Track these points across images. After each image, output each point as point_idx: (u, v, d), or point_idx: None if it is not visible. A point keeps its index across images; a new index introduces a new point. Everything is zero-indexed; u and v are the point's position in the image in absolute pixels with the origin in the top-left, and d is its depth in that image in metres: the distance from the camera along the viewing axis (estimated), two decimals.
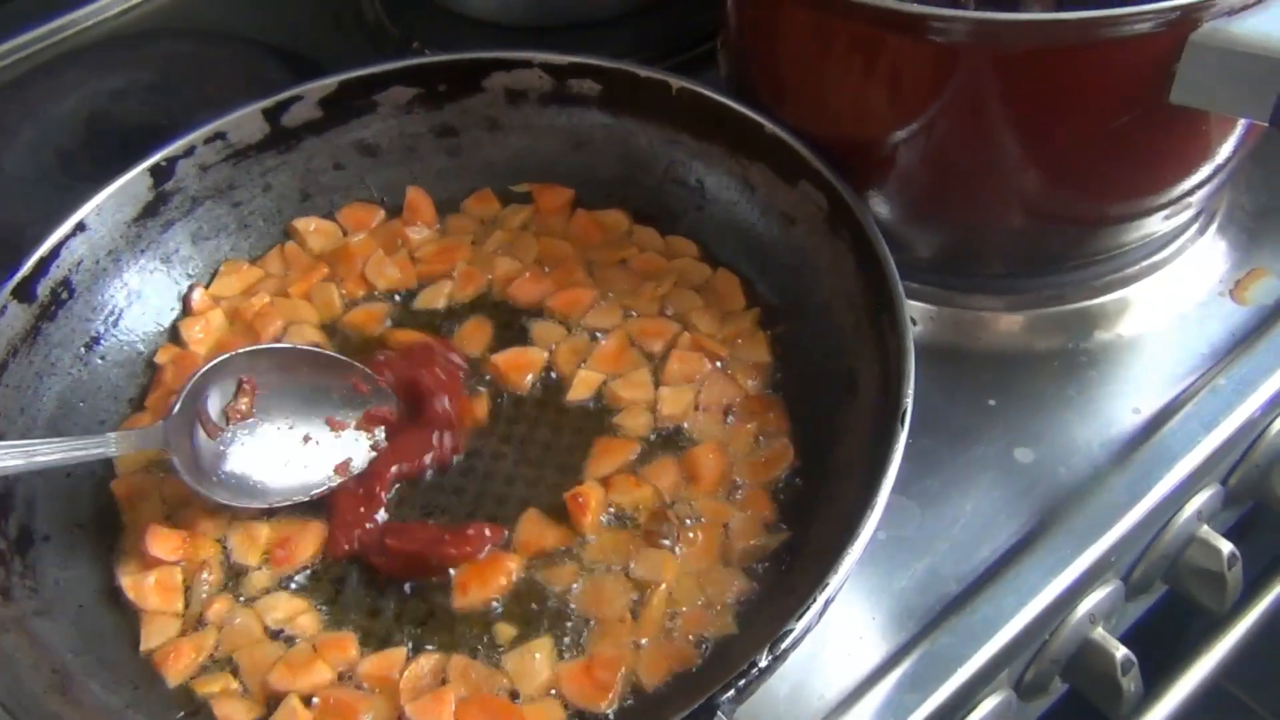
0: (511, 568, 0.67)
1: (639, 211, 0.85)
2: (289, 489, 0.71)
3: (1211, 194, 0.79)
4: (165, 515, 0.71)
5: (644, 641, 0.64)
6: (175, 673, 0.65)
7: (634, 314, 0.79)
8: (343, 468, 0.72)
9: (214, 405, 0.71)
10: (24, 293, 0.73)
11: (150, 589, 0.68)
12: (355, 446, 0.74)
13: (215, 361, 0.71)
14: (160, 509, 0.72)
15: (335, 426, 0.74)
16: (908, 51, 0.69)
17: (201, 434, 0.70)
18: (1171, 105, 0.65)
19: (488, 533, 0.68)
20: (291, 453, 0.72)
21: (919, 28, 0.66)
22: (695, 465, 0.71)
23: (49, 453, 0.65)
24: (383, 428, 0.74)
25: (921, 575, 0.70)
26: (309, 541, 0.70)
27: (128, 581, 0.68)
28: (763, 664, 0.53)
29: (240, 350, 0.73)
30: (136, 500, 0.72)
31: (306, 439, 0.73)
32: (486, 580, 0.67)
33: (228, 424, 0.72)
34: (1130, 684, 0.76)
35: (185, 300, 0.81)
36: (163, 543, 0.69)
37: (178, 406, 0.69)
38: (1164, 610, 0.91)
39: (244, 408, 0.72)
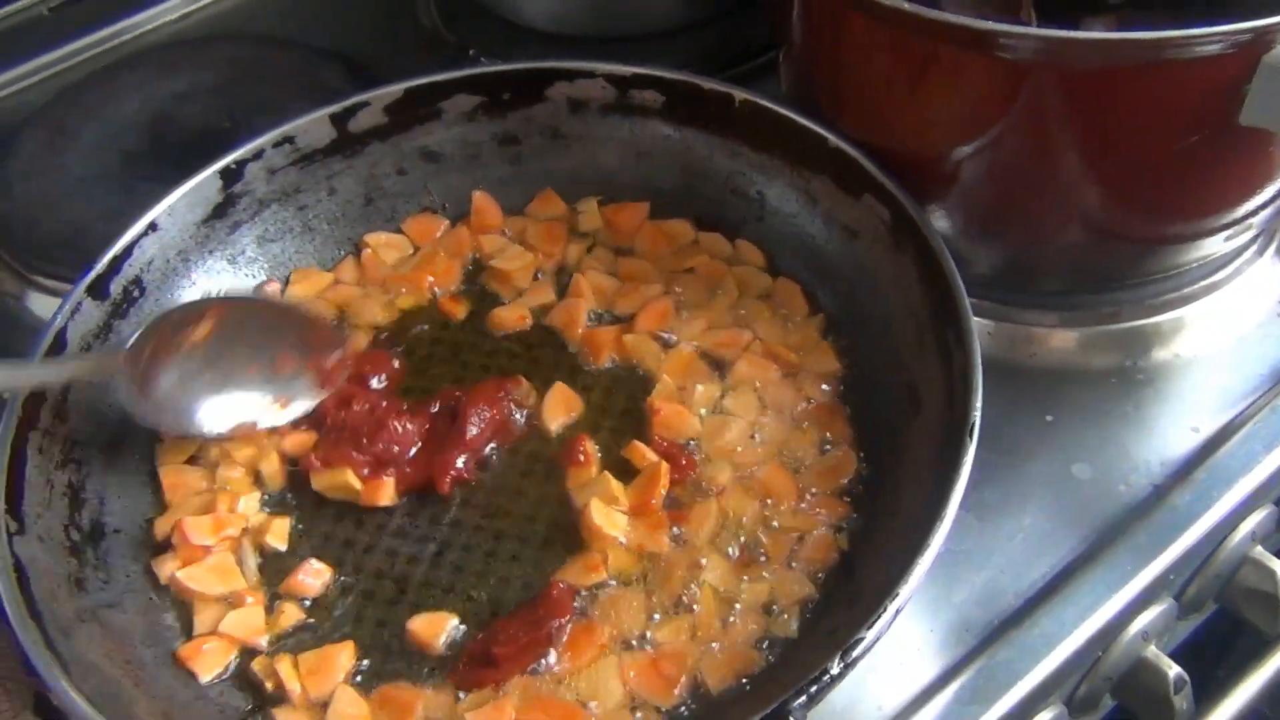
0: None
1: (700, 222, 0.85)
2: (217, 429, 0.73)
3: (1273, 216, 0.79)
4: (205, 509, 0.72)
5: (714, 646, 0.65)
6: (205, 670, 0.65)
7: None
8: (283, 400, 0.75)
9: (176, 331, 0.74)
10: (98, 290, 0.74)
11: (203, 575, 0.69)
12: (298, 387, 0.76)
13: (188, 302, 0.76)
14: (204, 500, 0.73)
15: (281, 366, 0.75)
16: (974, 67, 0.69)
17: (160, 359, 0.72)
18: (1240, 127, 0.66)
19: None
20: (237, 385, 0.74)
21: (987, 44, 0.66)
22: (771, 487, 0.71)
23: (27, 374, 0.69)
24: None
25: (979, 589, 0.70)
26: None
27: (183, 574, 0.68)
28: (834, 671, 0.54)
29: (214, 296, 0.77)
30: (180, 489, 0.73)
31: (253, 375, 0.75)
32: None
33: (183, 350, 0.73)
34: (1182, 703, 0.76)
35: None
36: (200, 529, 0.70)
37: (140, 332, 0.72)
38: (1209, 629, 0.90)
39: (203, 333, 0.73)
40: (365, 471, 0.72)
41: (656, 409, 0.75)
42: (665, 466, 0.70)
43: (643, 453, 0.72)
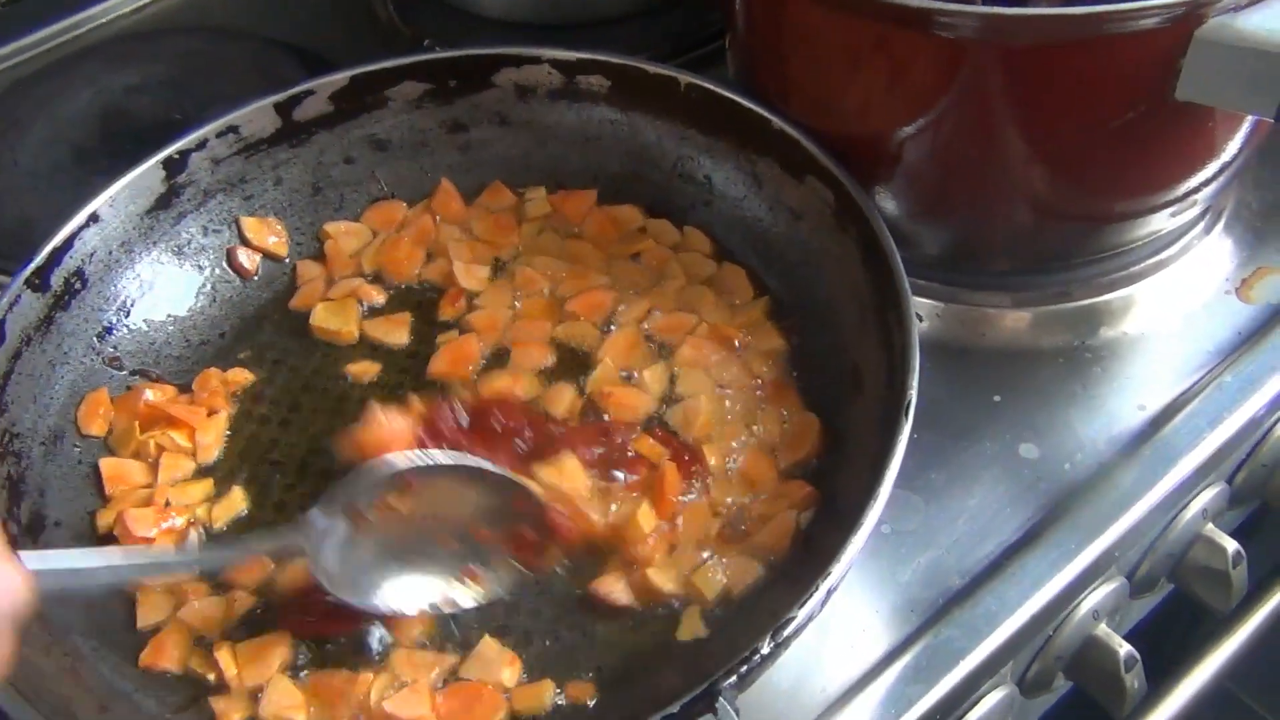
0: None
1: (648, 207, 0.85)
2: (407, 594, 0.64)
3: (1218, 192, 0.79)
4: (147, 500, 0.72)
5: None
6: (173, 661, 0.65)
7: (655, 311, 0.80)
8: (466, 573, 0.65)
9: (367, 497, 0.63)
10: (38, 282, 0.73)
11: None
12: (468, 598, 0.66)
13: (390, 457, 0.63)
14: (145, 493, 0.72)
15: (469, 577, 0.65)
16: (914, 46, 0.69)
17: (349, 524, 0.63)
18: (1177, 102, 0.66)
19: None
20: (415, 574, 0.65)
21: (925, 22, 0.66)
22: (752, 472, 0.71)
23: (206, 560, 0.67)
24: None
25: (925, 569, 0.70)
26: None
27: None
28: (765, 650, 0.54)
29: (417, 453, 0.64)
30: (120, 481, 0.73)
31: (436, 567, 0.65)
32: None
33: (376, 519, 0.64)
34: (1134, 681, 0.76)
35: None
36: (142, 521, 0.69)
37: (336, 495, 0.63)
38: (1170, 610, 0.91)
39: (403, 506, 0.63)
40: None
41: (608, 393, 0.74)
42: (673, 467, 0.70)
43: (654, 448, 0.71)
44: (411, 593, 0.64)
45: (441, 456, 0.64)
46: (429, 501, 0.64)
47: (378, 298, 0.83)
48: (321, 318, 0.81)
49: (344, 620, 0.65)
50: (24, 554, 0.52)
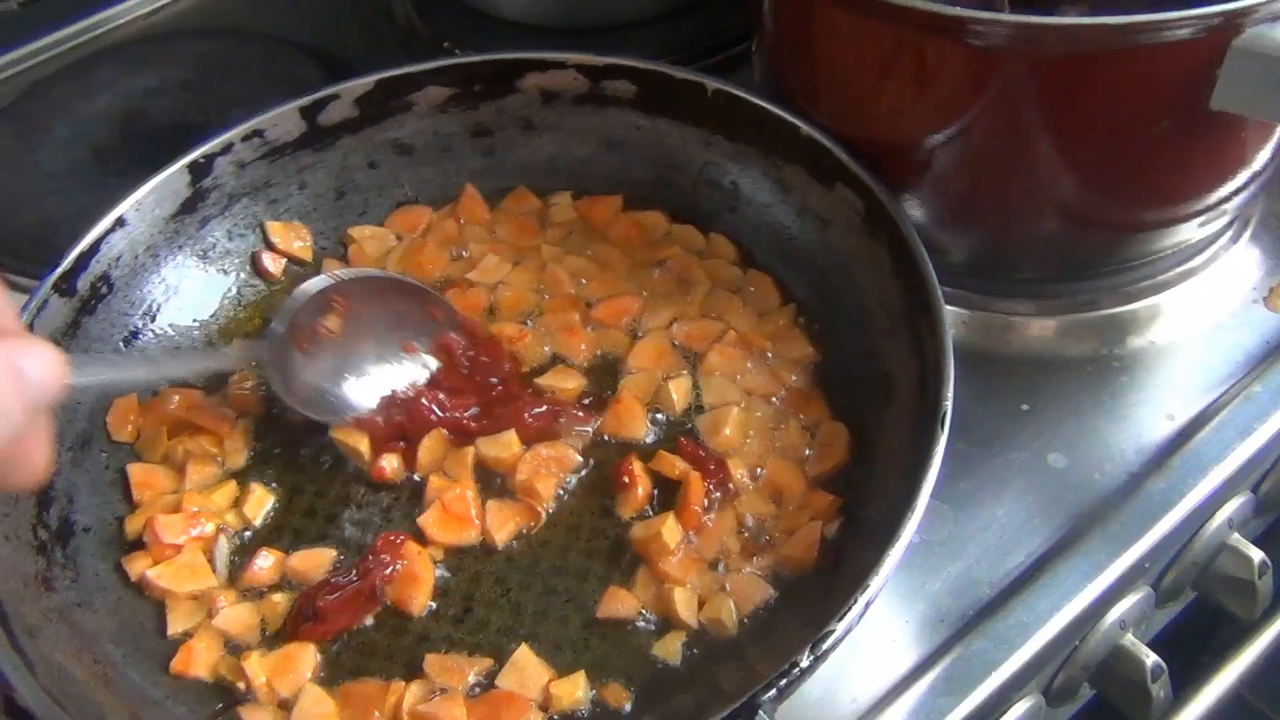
0: None
1: (673, 213, 0.85)
2: (361, 406, 0.74)
3: (1247, 201, 0.78)
4: (174, 506, 0.72)
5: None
6: (203, 669, 0.65)
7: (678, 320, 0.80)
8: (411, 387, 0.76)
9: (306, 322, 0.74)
10: (65, 287, 0.73)
11: (174, 574, 0.68)
12: (419, 370, 0.77)
13: (311, 281, 0.74)
14: (173, 498, 0.72)
15: (407, 350, 0.76)
16: (946, 54, 0.69)
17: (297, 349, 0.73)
18: (1211, 111, 0.65)
19: None
20: (366, 371, 0.75)
21: (958, 30, 0.66)
22: (780, 484, 0.71)
23: (172, 365, 0.75)
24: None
25: (954, 579, 0.70)
26: None
27: (153, 573, 0.68)
28: (804, 664, 0.54)
29: (335, 273, 0.76)
30: (148, 487, 0.73)
31: (379, 358, 0.76)
32: None
33: (318, 339, 0.74)
34: (1160, 691, 0.76)
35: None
36: (171, 527, 0.69)
37: (283, 323, 0.73)
38: (1188, 616, 0.91)
39: (333, 326, 0.75)
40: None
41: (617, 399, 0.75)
42: (698, 477, 0.69)
43: (672, 462, 0.71)
44: (368, 388, 0.75)
45: (357, 272, 0.78)
46: (358, 320, 0.75)
47: None
48: None
49: (359, 605, 0.67)
50: None
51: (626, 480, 0.70)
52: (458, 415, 0.74)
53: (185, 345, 0.80)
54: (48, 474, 0.53)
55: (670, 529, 0.67)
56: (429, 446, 0.73)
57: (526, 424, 0.73)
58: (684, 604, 0.65)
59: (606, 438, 0.74)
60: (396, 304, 0.77)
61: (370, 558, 0.67)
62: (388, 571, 0.67)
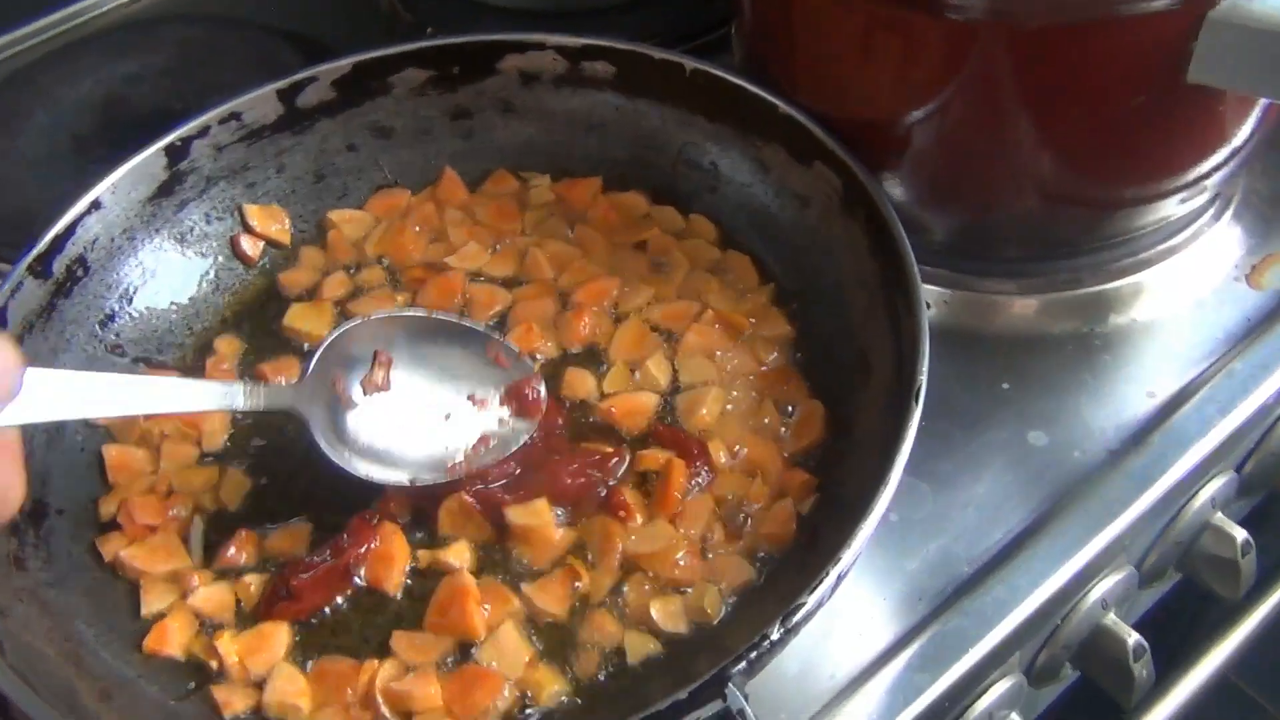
0: None
1: (653, 193, 0.85)
2: (429, 463, 0.69)
3: (1228, 178, 0.78)
4: (151, 488, 0.71)
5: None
6: (176, 647, 0.65)
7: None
8: (482, 443, 0.70)
9: (349, 373, 0.70)
10: (40, 269, 0.73)
11: (148, 554, 0.68)
12: (494, 421, 0.71)
13: (346, 327, 0.70)
14: (148, 480, 0.72)
15: (478, 404, 0.71)
16: (922, 29, 0.69)
17: (339, 400, 0.69)
18: (1189, 85, 0.65)
19: None
20: (432, 426, 0.70)
21: (933, 4, 0.66)
22: (758, 463, 0.70)
23: (174, 399, 0.64)
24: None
25: (933, 557, 0.69)
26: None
27: (127, 554, 0.68)
28: (774, 636, 0.53)
29: (373, 316, 0.71)
30: (124, 469, 0.72)
31: (448, 416, 0.71)
32: None
33: (365, 395, 0.70)
34: (1142, 670, 0.76)
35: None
36: (146, 509, 0.69)
37: (309, 372, 0.68)
38: (1178, 599, 0.90)
39: (380, 380, 0.70)
40: None
41: (608, 408, 0.73)
42: (680, 464, 0.69)
43: (655, 458, 0.70)
44: (425, 451, 0.69)
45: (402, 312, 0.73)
46: (407, 364, 0.71)
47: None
48: (294, 318, 0.80)
49: (332, 583, 0.66)
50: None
51: (623, 514, 0.68)
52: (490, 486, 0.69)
53: (181, 343, 0.79)
54: (19, 504, 0.51)
55: (671, 545, 0.66)
56: (451, 510, 0.69)
57: (566, 486, 0.69)
58: (666, 617, 0.65)
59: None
60: (449, 349, 0.72)
61: (344, 537, 0.67)
62: (362, 550, 0.67)
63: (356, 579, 0.67)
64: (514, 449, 0.70)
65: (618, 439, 0.73)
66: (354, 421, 0.69)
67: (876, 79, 0.73)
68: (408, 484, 0.68)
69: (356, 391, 0.70)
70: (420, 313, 0.74)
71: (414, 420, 0.70)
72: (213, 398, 0.65)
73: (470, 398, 0.72)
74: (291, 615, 0.65)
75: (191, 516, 0.70)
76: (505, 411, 0.72)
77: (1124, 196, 0.75)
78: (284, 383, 0.74)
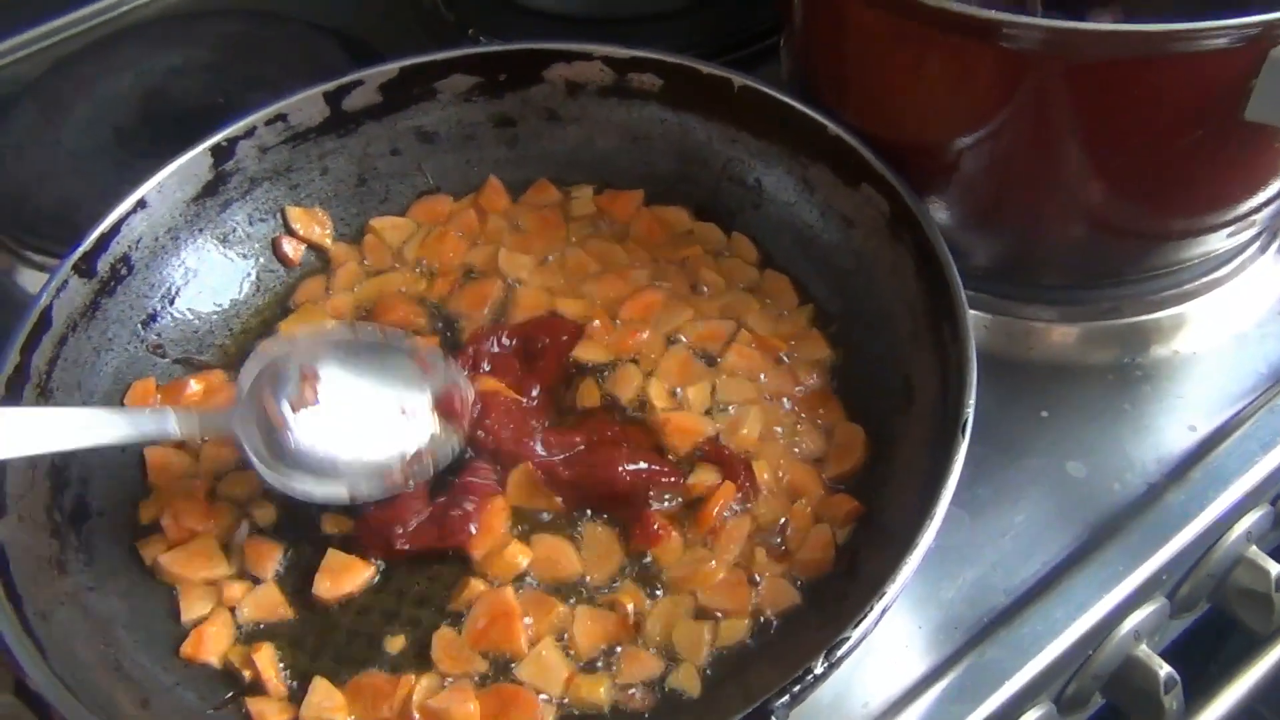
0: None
1: (696, 209, 0.84)
2: (365, 475, 0.69)
3: (1277, 213, 0.78)
4: (192, 492, 0.71)
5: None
6: (214, 654, 0.65)
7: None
8: (416, 457, 0.70)
9: (278, 392, 0.69)
10: (85, 267, 0.73)
11: (189, 559, 0.68)
12: (426, 431, 0.72)
13: (271, 349, 0.70)
14: (192, 483, 0.72)
15: (409, 414, 0.72)
16: (978, 57, 0.68)
17: (270, 421, 0.69)
18: (1245, 122, 0.65)
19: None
20: (366, 439, 0.70)
21: (991, 33, 0.65)
22: (799, 486, 0.70)
23: (101, 432, 0.63)
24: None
25: (969, 586, 0.69)
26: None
27: (167, 558, 0.68)
28: (818, 670, 0.53)
29: (295, 338, 0.72)
30: (165, 471, 0.72)
31: (383, 428, 0.71)
32: None
33: (294, 412, 0.69)
34: (1172, 703, 0.75)
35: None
36: (189, 514, 0.69)
37: (243, 393, 0.68)
38: (1200, 627, 0.90)
39: (308, 396, 0.70)
40: None
41: (665, 420, 0.73)
42: (730, 487, 0.69)
43: (704, 484, 0.70)
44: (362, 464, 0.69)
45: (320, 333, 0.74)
46: (336, 378, 0.71)
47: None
48: (289, 328, 0.80)
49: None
50: None
51: (660, 531, 0.68)
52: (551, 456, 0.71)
53: (222, 343, 0.80)
54: None
55: (710, 568, 0.66)
56: (518, 481, 0.71)
57: (617, 477, 0.70)
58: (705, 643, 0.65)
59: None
60: (374, 359, 0.72)
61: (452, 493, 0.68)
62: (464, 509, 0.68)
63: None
64: (446, 458, 0.71)
65: (657, 444, 0.72)
66: (291, 440, 0.69)
67: (929, 103, 0.73)
68: (346, 499, 0.68)
69: (287, 410, 0.69)
70: (346, 330, 0.76)
71: (348, 434, 0.70)
72: (144, 427, 0.65)
73: (402, 409, 0.72)
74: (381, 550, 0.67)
75: (236, 522, 0.70)
76: (436, 420, 0.72)
77: (1172, 229, 0.75)
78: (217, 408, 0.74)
